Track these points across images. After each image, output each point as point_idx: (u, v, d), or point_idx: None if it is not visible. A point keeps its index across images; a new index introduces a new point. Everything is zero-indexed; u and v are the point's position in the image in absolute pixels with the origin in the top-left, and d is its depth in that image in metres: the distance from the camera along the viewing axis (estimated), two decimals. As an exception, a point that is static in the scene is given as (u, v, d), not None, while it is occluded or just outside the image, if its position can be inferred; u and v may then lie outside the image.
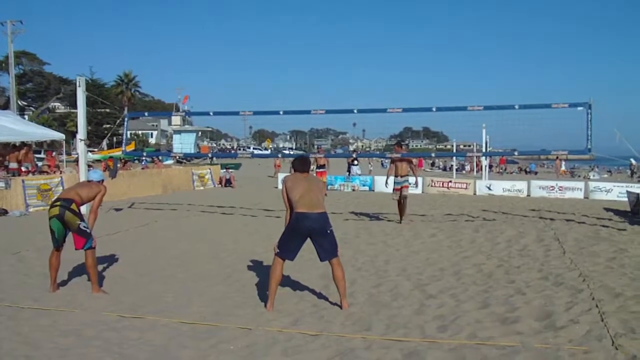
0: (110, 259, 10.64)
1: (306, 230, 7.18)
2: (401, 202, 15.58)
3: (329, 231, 7.29)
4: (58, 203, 8.07)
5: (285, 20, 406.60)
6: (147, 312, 7.24)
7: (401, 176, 15.60)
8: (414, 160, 16.34)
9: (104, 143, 40.79)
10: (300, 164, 7.65)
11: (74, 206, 8.03)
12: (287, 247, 7.29)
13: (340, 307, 7.41)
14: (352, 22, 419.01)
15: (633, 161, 43.75)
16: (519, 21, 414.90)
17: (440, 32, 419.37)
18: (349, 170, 32.35)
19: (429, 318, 6.86)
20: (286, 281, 8.89)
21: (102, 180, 8.95)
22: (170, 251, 11.55)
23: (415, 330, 6.38)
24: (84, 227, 8.04)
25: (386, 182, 16.04)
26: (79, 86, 17.27)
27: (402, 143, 18.08)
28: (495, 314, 6.93)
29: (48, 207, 8.34)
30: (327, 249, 7.33)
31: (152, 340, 6.18)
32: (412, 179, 15.87)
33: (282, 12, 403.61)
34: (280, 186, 26.35)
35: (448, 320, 6.71)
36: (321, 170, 22.68)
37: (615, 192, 25.60)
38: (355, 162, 33.46)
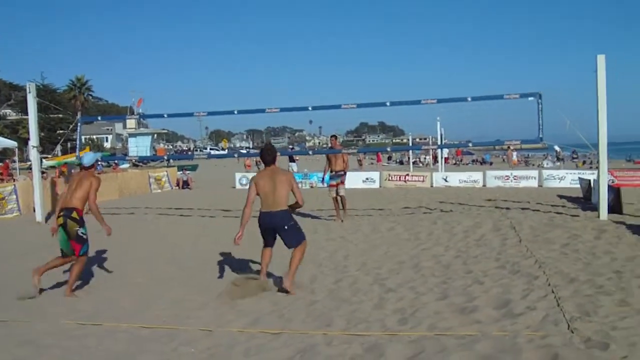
0: (67, 266, 10.46)
1: (268, 226, 8.03)
2: (337, 200, 15.42)
3: (287, 227, 7.96)
4: (62, 213, 8.32)
5: (239, 21, 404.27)
6: (106, 318, 7.15)
7: (336, 172, 15.46)
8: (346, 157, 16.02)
9: (58, 149, 40.14)
10: (266, 154, 8.21)
11: (74, 214, 8.30)
12: (264, 240, 8.28)
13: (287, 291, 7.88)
14: (308, 19, 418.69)
15: (557, 148, 44.71)
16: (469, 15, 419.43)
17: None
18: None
19: (389, 312, 6.90)
20: (248, 279, 8.84)
21: (96, 161, 9.24)
22: (129, 255, 11.42)
23: (375, 324, 6.41)
24: (82, 233, 8.33)
25: (322, 178, 15.97)
26: (29, 92, 16.97)
27: (337, 135, 18.02)
28: (454, 305, 6.99)
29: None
30: (290, 241, 8.06)
31: (111, 346, 6.10)
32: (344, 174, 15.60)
33: (237, 12, 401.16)
34: (237, 186, 26.09)
35: (408, 313, 6.75)
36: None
37: (568, 179, 26.14)
38: (294, 160, 33.84)
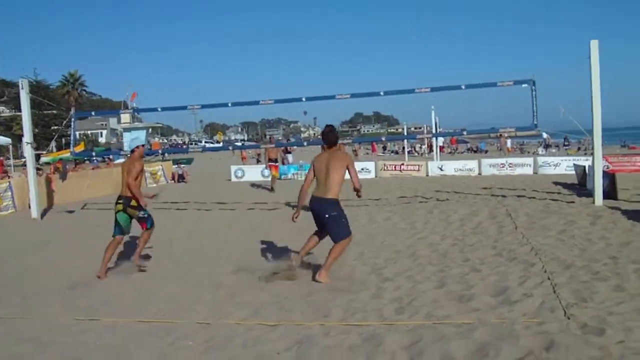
0: (65, 263, 10.47)
1: (313, 211, 8.00)
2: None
3: (327, 216, 7.79)
4: (120, 201, 9.36)
5: (233, 16, 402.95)
6: (104, 313, 7.15)
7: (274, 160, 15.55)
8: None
9: (52, 145, 39.96)
10: (327, 135, 8.20)
11: (133, 202, 9.29)
12: (317, 225, 8.13)
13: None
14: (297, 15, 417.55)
15: (545, 134, 44.85)
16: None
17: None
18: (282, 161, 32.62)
19: (386, 301, 6.92)
20: (246, 272, 8.86)
21: (143, 146, 9.91)
22: (125, 250, 11.40)
23: (373, 314, 6.43)
24: (142, 214, 9.35)
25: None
26: (22, 88, 16.91)
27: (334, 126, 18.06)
28: (451, 293, 7.02)
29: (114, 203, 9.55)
30: (331, 233, 7.90)
31: (110, 342, 6.10)
32: None
33: (231, 8, 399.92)
34: (232, 179, 26.20)
35: (405, 302, 6.77)
36: (274, 164, 22.29)
37: (563, 166, 26.23)
38: (289, 151, 33.86)
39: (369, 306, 6.76)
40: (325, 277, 7.92)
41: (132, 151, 9.74)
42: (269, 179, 29.51)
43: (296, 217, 8.18)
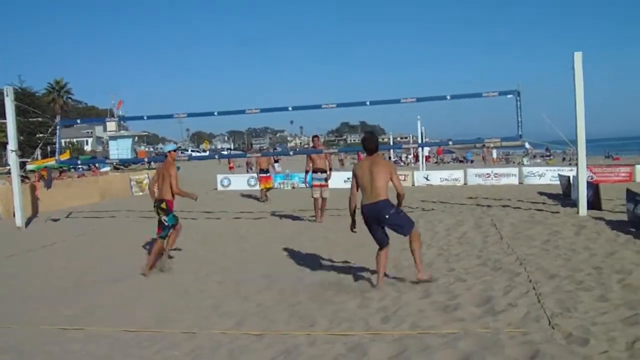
0: (49, 271, 10.42)
1: (371, 219, 7.92)
2: (319, 201, 15.27)
3: (388, 215, 7.81)
4: (155, 203, 10.03)
5: (219, 22, 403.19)
6: (88, 322, 7.13)
7: (320, 170, 15.31)
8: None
9: (37, 153, 39.73)
10: (367, 142, 8.11)
11: (163, 204, 9.86)
12: (374, 236, 8.11)
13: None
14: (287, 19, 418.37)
15: (527, 145, 45.21)
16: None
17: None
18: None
19: (372, 310, 6.93)
20: (229, 282, 8.88)
21: (174, 150, 10.64)
22: (110, 259, 11.37)
23: (358, 324, 6.43)
24: (164, 220, 9.86)
25: (305, 179, 15.65)
26: (7, 96, 16.82)
27: (319, 135, 17.86)
28: (436, 303, 7.03)
29: None
30: (400, 229, 7.97)
31: (94, 351, 6.08)
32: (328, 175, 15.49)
33: (217, 13, 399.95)
34: (219, 187, 26.08)
35: (390, 312, 6.78)
36: (265, 175, 21.83)
37: (548, 176, 26.34)
38: (276, 160, 33.94)
39: (355, 316, 6.76)
40: (424, 274, 8.02)
41: (165, 156, 10.41)
42: (256, 187, 29.60)
43: (354, 228, 8.40)
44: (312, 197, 15.36)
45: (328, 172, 15.52)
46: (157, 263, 9.84)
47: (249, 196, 24.08)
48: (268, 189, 22.10)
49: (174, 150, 10.60)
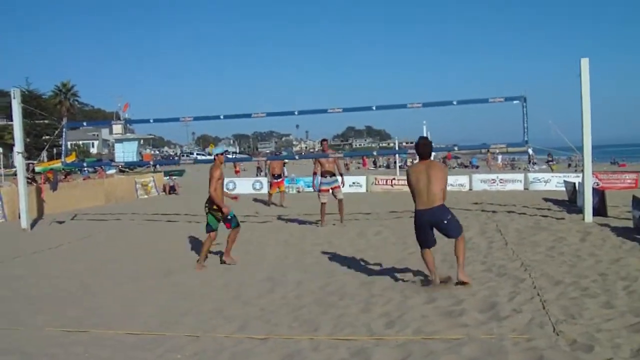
0: (54, 273, 10.42)
1: (426, 223, 8.00)
2: (325, 206, 15.18)
3: (446, 221, 7.96)
4: (206, 204, 10.53)
5: (226, 24, 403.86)
6: (92, 325, 7.12)
7: (329, 174, 15.23)
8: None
9: (44, 155, 39.86)
10: (422, 147, 8.25)
11: (214, 206, 10.35)
12: (422, 239, 8.15)
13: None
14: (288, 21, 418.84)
15: (530, 151, 45.16)
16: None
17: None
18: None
19: (375, 315, 6.91)
20: (231, 286, 8.88)
21: (222, 154, 10.90)
22: (115, 262, 11.37)
23: (362, 329, 6.41)
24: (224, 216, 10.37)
25: (313, 184, 15.48)
26: (14, 98, 16.87)
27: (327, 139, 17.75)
28: (440, 308, 7.01)
29: None
30: (451, 233, 8.05)
31: (98, 354, 6.07)
32: (339, 178, 15.37)
33: (224, 15, 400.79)
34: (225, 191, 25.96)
35: (394, 317, 6.76)
36: (277, 180, 21.43)
37: (554, 182, 26.29)
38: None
39: (358, 320, 6.74)
40: (466, 276, 8.05)
41: (214, 159, 10.69)
42: (261, 191, 29.57)
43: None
44: (321, 202, 15.26)
45: (341, 178, 15.48)
46: (228, 259, 10.65)
47: (260, 200, 23.97)
48: (281, 192, 21.66)
49: (221, 154, 10.88)
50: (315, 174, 15.51)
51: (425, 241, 8.13)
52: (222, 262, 10.72)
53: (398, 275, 9.06)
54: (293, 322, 6.87)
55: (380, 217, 16.81)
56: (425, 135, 32.30)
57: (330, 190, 15.23)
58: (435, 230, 8.11)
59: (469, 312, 6.73)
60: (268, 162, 21.94)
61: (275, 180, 21.31)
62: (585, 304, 6.75)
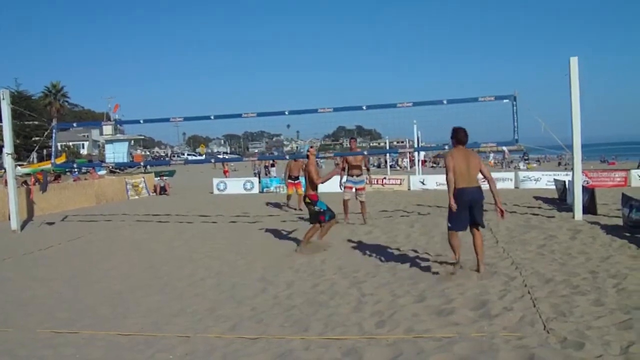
0: (44, 274, 10.39)
1: (466, 202, 8.34)
2: (348, 202, 15.29)
3: (482, 204, 8.56)
4: (304, 199, 11.62)
5: (216, 26, 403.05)
6: (83, 326, 7.11)
7: (356, 175, 15.29)
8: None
9: (33, 156, 39.73)
10: (463, 134, 8.63)
11: (307, 199, 11.30)
12: (457, 219, 8.49)
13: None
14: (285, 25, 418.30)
15: (505, 149, 45.41)
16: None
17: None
18: (267, 173, 32.63)
19: (366, 315, 6.92)
20: (224, 286, 8.87)
21: (312, 147, 11.93)
22: (106, 263, 11.34)
23: (353, 328, 6.42)
24: (318, 209, 11.20)
25: (340, 183, 15.38)
26: (3, 99, 16.78)
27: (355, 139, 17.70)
28: (431, 307, 7.03)
29: None
30: (480, 218, 8.56)
31: (89, 355, 6.07)
32: (365, 179, 15.49)
33: (214, 17, 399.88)
34: (215, 191, 25.92)
35: (385, 316, 6.77)
36: (294, 181, 19.80)
37: (544, 180, 26.39)
38: (273, 164, 33.92)
39: (349, 320, 6.75)
40: (483, 267, 8.62)
41: (307, 156, 11.54)
42: (252, 191, 29.55)
43: (454, 207, 8.37)
44: (343, 198, 15.34)
45: (368, 176, 15.69)
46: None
47: (272, 203, 23.89)
48: (299, 195, 19.31)
49: (312, 147, 12.12)
50: (343, 169, 15.18)
51: (459, 222, 8.52)
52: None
53: (388, 274, 9.07)
54: (284, 322, 6.87)
55: (371, 216, 16.78)
56: (416, 134, 32.54)
57: (354, 189, 15.30)
58: None
59: (460, 310, 6.75)
60: (287, 162, 20.54)
61: (292, 182, 19.85)
62: (576, 301, 6.79)
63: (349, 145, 16.54)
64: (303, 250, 11.27)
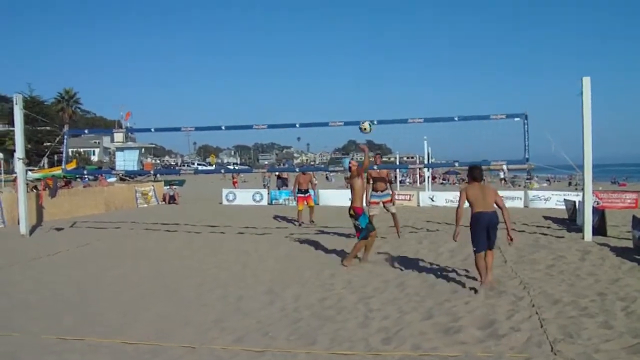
0: (51, 280, 10.40)
1: (484, 224, 8.87)
2: (374, 217, 14.81)
3: (498, 224, 8.98)
4: (350, 211, 11.41)
5: (230, 35, 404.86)
6: (89, 333, 7.09)
7: (381, 191, 15.34)
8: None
9: (44, 161, 39.93)
10: (478, 172, 9.40)
11: (351, 211, 11.30)
12: (479, 241, 8.92)
13: None
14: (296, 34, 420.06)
15: (505, 167, 45.29)
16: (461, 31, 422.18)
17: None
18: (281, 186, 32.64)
19: (373, 331, 6.89)
20: (230, 298, 8.85)
21: (352, 159, 11.91)
22: (113, 270, 11.34)
23: (359, 344, 6.40)
24: (358, 224, 11.24)
25: (365, 200, 15.36)
26: (16, 104, 16.90)
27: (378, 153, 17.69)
28: (438, 325, 7.00)
29: None
30: (494, 241, 9.00)
31: (93, 363, 6.06)
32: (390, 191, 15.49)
33: (227, 25, 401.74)
34: (224, 202, 25.87)
35: (392, 332, 6.75)
36: (304, 195, 19.37)
37: (554, 200, 26.25)
38: (284, 176, 33.87)
39: (356, 335, 6.73)
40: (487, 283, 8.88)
41: (350, 169, 11.53)
42: (261, 203, 29.57)
43: (457, 236, 9.25)
44: (369, 214, 15.20)
45: (391, 190, 15.66)
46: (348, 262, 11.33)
47: (283, 218, 23.89)
48: (311, 207, 19.56)
49: (351, 159, 11.96)
50: (368, 191, 14.89)
51: (481, 243, 8.91)
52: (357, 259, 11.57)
53: (396, 290, 9.05)
54: (290, 335, 6.85)
55: (379, 231, 16.71)
56: (426, 150, 32.51)
57: (382, 204, 15.32)
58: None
59: (467, 329, 6.72)
60: (297, 175, 20.10)
61: (302, 195, 19.36)
62: (584, 323, 6.75)
63: (373, 160, 16.39)
64: (347, 263, 11.30)
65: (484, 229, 8.88)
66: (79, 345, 6.66)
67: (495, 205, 8.95)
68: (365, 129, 12.88)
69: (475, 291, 8.64)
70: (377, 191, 15.32)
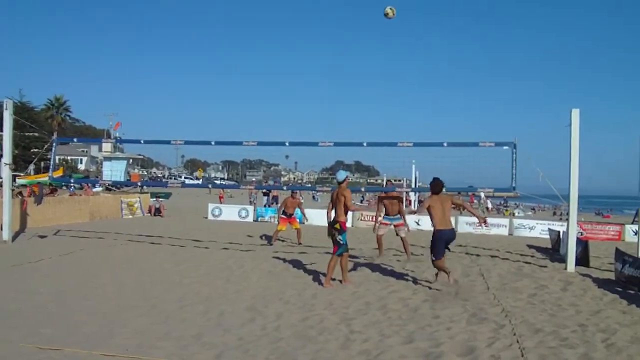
0: (32, 288, 10.32)
1: (445, 239, 10.82)
2: (382, 237, 15.62)
3: (453, 240, 11.24)
4: (330, 224, 11.27)
5: (224, 48, 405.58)
6: (67, 343, 7.03)
7: (393, 215, 15.50)
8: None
9: (31, 168, 39.75)
10: (437, 185, 11.08)
11: (337, 225, 11.10)
12: (439, 251, 10.77)
13: None
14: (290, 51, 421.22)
15: (482, 194, 45.58)
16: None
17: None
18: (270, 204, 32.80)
19: (354, 353, 6.87)
20: (212, 313, 8.81)
21: (345, 179, 11.50)
22: (95, 280, 11.27)
23: (340, 365, 6.38)
24: (339, 239, 11.09)
25: (376, 221, 15.77)
26: (6, 109, 16.86)
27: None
28: (419, 349, 6.99)
29: None
30: (448, 249, 11.11)
31: (70, 373, 6.00)
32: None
33: (221, 38, 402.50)
34: (209, 216, 25.94)
35: (372, 355, 6.73)
36: (288, 217, 19.18)
37: (538, 229, 26.42)
38: (267, 193, 34.03)
39: (337, 357, 6.71)
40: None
41: (341, 182, 11.38)
42: (246, 219, 29.53)
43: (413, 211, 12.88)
44: (377, 233, 15.64)
45: (403, 217, 15.68)
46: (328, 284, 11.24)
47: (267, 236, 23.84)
48: (297, 229, 19.48)
49: (347, 176, 11.71)
50: (378, 215, 15.83)
51: (441, 252, 10.75)
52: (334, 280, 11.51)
53: (378, 313, 9.04)
54: (271, 354, 6.82)
55: (363, 253, 16.78)
56: (414, 174, 32.60)
57: (392, 225, 15.53)
58: None
59: (448, 355, 6.72)
60: (285, 197, 19.84)
61: (286, 217, 19.13)
62: (564, 354, 6.77)
63: (385, 185, 16.59)
64: (327, 284, 11.19)
65: (443, 243, 10.78)
66: (56, 355, 6.59)
67: (452, 220, 10.60)
68: (387, 14, 13.10)
69: (436, 279, 11.06)
70: (389, 214, 15.53)
